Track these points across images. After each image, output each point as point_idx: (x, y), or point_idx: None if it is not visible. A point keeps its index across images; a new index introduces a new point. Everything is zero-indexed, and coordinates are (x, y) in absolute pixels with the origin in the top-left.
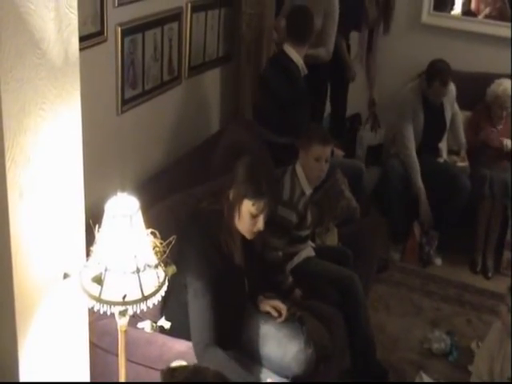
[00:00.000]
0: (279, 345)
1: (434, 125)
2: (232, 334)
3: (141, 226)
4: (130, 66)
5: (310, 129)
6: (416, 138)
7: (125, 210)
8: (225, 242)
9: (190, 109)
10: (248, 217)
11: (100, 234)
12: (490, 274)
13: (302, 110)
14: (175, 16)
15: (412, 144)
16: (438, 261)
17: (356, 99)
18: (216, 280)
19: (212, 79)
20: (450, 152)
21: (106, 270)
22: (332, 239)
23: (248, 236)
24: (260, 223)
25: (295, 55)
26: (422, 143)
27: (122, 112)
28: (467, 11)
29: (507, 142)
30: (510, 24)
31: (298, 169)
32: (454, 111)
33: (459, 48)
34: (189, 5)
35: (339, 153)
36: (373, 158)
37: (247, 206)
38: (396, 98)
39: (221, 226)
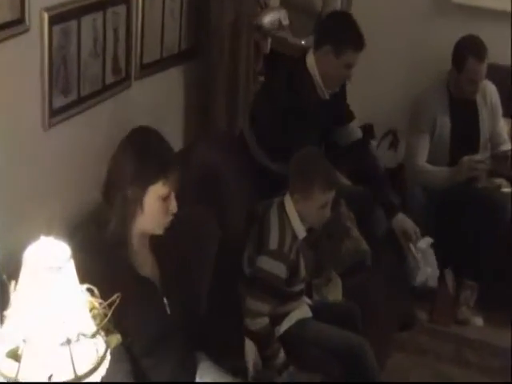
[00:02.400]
0: None
1: (464, 133)
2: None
3: (73, 280)
4: (61, 65)
5: (309, 163)
6: (442, 154)
7: (51, 259)
8: (124, 256)
9: (142, 121)
10: (158, 204)
11: (17, 294)
12: None
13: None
14: None
15: (421, 155)
16: (478, 320)
17: (367, 106)
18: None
19: (173, 81)
20: (492, 173)
21: (24, 341)
22: (335, 293)
23: (159, 230)
24: (174, 203)
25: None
26: (451, 160)
27: (51, 126)
28: None
29: None
30: None
31: (289, 205)
32: (495, 121)
33: (503, 35)
34: None
35: (344, 180)
36: (392, 183)
37: (155, 192)
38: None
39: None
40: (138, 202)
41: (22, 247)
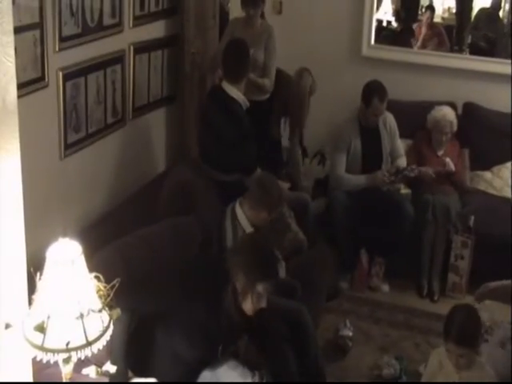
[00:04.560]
0: None
1: (371, 151)
2: None
3: (84, 270)
4: (73, 110)
5: (264, 187)
6: (356, 167)
7: (66, 254)
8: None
9: (135, 150)
10: (255, 297)
11: (42, 281)
12: (435, 297)
13: (247, 148)
14: (118, 58)
15: (340, 168)
16: (385, 287)
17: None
18: None
19: (157, 119)
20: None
21: (48, 317)
22: (280, 272)
23: (249, 312)
24: (264, 301)
25: (235, 92)
26: (362, 170)
27: (65, 156)
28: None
29: (449, 162)
30: (448, 54)
31: (238, 210)
32: (394, 141)
33: (400, 78)
34: (131, 47)
35: (285, 185)
36: (320, 189)
37: (257, 289)
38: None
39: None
40: (248, 292)
41: (45, 246)
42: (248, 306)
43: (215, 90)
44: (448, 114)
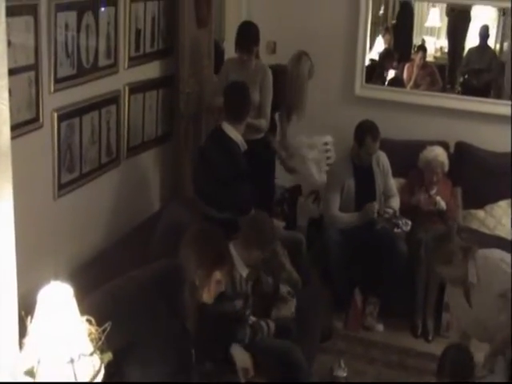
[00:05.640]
0: None
1: (365, 190)
2: None
3: (75, 313)
4: (67, 150)
5: (257, 227)
6: (349, 206)
7: (58, 298)
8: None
9: (129, 190)
10: (214, 285)
11: (32, 325)
12: (430, 337)
13: (243, 187)
14: (113, 99)
15: (334, 207)
16: (380, 327)
17: None
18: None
19: (152, 159)
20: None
21: (38, 362)
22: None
23: (210, 300)
24: (223, 285)
25: (234, 133)
26: (356, 210)
27: (59, 196)
28: (398, 81)
29: (439, 200)
30: (440, 94)
31: (233, 252)
32: (387, 180)
33: (392, 117)
34: (126, 87)
35: (280, 224)
36: (315, 229)
37: (215, 277)
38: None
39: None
40: (205, 282)
41: (36, 289)
42: (208, 296)
43: (215, 130)
44: (440, 154)
